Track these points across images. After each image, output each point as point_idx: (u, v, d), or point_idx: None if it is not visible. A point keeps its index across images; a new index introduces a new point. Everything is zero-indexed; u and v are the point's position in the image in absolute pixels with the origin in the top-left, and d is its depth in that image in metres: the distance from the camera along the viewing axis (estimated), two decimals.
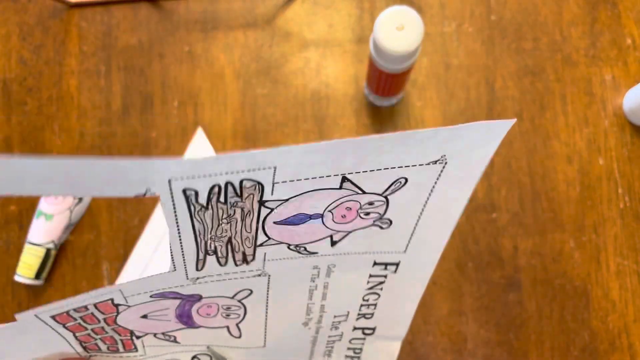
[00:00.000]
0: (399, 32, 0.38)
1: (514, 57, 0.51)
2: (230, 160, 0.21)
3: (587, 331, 0.47)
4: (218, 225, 0.26)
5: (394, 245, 0.32)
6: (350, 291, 0.35)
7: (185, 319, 0.33)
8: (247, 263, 0.29)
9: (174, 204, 0.23)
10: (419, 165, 0.25)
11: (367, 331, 0.39)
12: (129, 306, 0.30)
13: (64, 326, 0.29)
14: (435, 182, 0.27)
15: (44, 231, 0.48)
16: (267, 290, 0.33)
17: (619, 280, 0.48)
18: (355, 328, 0.38)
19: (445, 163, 0.26)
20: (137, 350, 0.34)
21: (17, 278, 0.48)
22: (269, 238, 0.28)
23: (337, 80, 0.51)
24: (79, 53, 0.52)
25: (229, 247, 0.28)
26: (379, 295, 0.36)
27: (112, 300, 0.29)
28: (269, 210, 0.26)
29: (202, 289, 0.31)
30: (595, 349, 0.47)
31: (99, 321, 0.30)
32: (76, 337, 0.30)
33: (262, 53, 0.52)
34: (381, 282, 0.35)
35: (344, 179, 0.25)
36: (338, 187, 0.26)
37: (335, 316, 0.37)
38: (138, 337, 0.33)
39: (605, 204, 0.49)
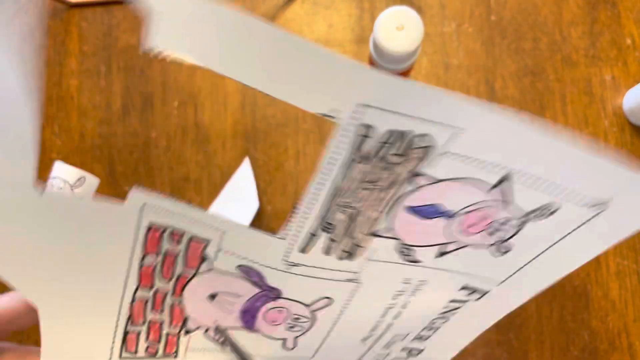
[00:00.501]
0: (398, 32, 0.38)
1: (514, 57, 0.51)
2: (431, 96, 0.20)
3: (586, 331, 0.47)
4: (358, 189, 0.24)
5: (493, 274, 0.30)
6: (423, 313, 0.33)
7: (248, 318, 0.31)
8: (351, 258, 0.28)
9: (343, 139, 0.22)
10: (578, 199, 0.24)
11: (413, 352, 0.36)
12: (211, 269, 0.28)
13: (144, 255, 0.27)
14: (580, 226, 0.25)
15: None
16: (348, 302, 0.31)
17: (618, 280, 0.48)
18: (404, 348, 0.36)
19: (602, 210, 0.24)
20: (176, 356, 0.32)
21: None
22: (389, 228, 0.27)
23: None
24: (79, 53, 0.53)
25: (348, 226, 0.26)
26: (446, 320, 0.34)
27: (206, 244, 0.27)
28: (414, 188, 0.24)
29: (287, 284, 0.29)
30: (595, 349, 0.47)
31: (171, 278, 0.28)
32: (137, 290, 0.29)
33: None
34: (457, 308, 0.33)
35: (504, 179, 0.24)
36: (492, 185, 0.24)
37: (395, 335, 0.35)
38: (187, 333, 0.31)
39: None
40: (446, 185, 0.24)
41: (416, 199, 0.25)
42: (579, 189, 0.24)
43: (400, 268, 0.29)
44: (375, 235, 0.27)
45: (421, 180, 0.24)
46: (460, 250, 0.29)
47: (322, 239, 0.27)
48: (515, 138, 0.22)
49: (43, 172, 0.51)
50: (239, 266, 0.28)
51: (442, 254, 0.29)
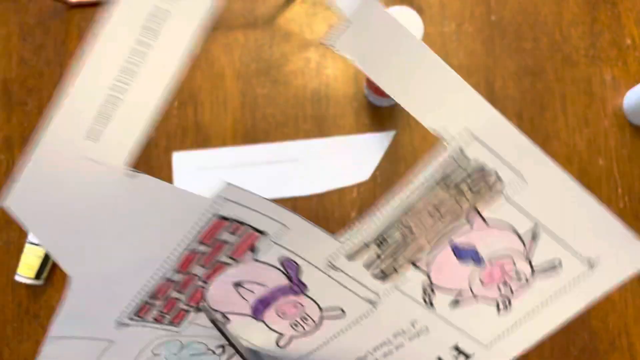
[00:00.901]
0: None
1: (514, 57, 0.51)
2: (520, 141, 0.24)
3: (587, 331, 0.47)
4: (425, 214, 0.27)
5: (485, 334, 0.33)
6: None
7: (261, 307, 0.33)
8: (384, 280, 0.30)
9: (441, 161, 0.25)
10: (578, 253, 0.28)
11: None
12: (254, 260, 0.30)
13: (196, 242, 0.28)
14: (571, 283, 0.29)
15: None
16: (355, 322, 0.33)
17: None
18: None
19: (593, 266, 0.28)
20: (178, 326, 0.34)
21: (17, 278, 0.48)
22: (427, 261, 0.29)
23: (337, 80, 0.51)
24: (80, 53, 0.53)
25: (398, 248, 0.29)
26: None
27: (261, 237, 0.29)
28: (467, 225, 0.28)
29: (317, 283, 0.31)
30: (595, 349, 0.47)
31: (209, 266, 0.29)
32: (170, 271, 0.29)
33: (262, 53, 0.52)
34: None
35: (532, 230, 0.27)
36: (521, 233, 0.28)
37: None
38: (198, 311, 0.33)
39: (605, 203, 0.49)
40: (491, 230, 0.28)
41: (463, 237, 0.28)
42: (581, 242, 0.28)
43: (414, 307, 0.32)
44: (413, 264, 0.30)
45: (476, 222, 0.28)
46: (470, 301, 0.31)
47: (371, 252, 0.29)
48: (554, 194, 0.26)
49: None
50: (282, 258, 0.30)
51: (456, 303, 0.31)
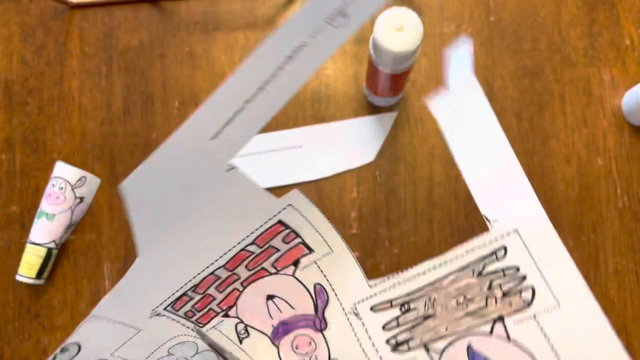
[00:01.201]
0: (398, 33, 0.38)
1: (513, 57, 0.51)
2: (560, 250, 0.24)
3: None
4: (451, 297, 0.28)
5: None
6: None
7: (281, 331, 0.34)
8: (394, 350, 0.31)
9: (481, 248, 0.25)
10: None
11: None
12: (292, 275, 0.31)
13: (251, 243, 0.29)
14: None
15: (45, 231, 0.48)
16: None
17: (617, 280, 0.48)
18: None
19: None
20: (202, 326, 0.35)
21: (18, 278, 0.48)
22: (439, 351, 0.29)
23: (337, 80, 0.51)
24: (80, 54, 0.53)
25: (417, 321, 0.29)
26: None
27: (307, 253, 0.30)
28: (488, 331, 0.27)
29: (337, 325, 0.32)
30: None
31: (252, 269, 0.30)
32: (219, 268, 0.30)
33: None
34: None
35: None
36: None
37: None
38: (225, 316, 0.34)
39: (603, 203, 0.49)
40: (510, 348, 0.27)
41: (480, 343, 0.28)
42: None
43: None
44: (426, 348, 0.30)
45: (498, 329, 0.27)
46: None
47: (392, 312, 0.30)
48: (587, 335, 0.25)
49: (45, 172, 0.52)
50: (317, 284, 0.31)
51: None
